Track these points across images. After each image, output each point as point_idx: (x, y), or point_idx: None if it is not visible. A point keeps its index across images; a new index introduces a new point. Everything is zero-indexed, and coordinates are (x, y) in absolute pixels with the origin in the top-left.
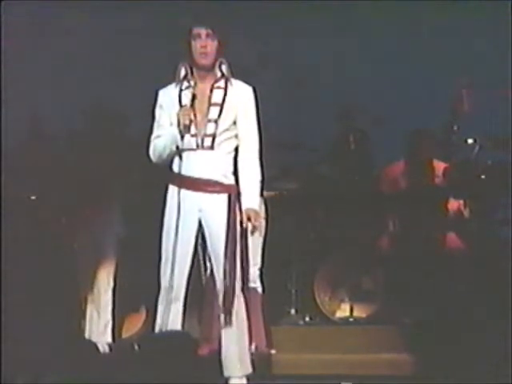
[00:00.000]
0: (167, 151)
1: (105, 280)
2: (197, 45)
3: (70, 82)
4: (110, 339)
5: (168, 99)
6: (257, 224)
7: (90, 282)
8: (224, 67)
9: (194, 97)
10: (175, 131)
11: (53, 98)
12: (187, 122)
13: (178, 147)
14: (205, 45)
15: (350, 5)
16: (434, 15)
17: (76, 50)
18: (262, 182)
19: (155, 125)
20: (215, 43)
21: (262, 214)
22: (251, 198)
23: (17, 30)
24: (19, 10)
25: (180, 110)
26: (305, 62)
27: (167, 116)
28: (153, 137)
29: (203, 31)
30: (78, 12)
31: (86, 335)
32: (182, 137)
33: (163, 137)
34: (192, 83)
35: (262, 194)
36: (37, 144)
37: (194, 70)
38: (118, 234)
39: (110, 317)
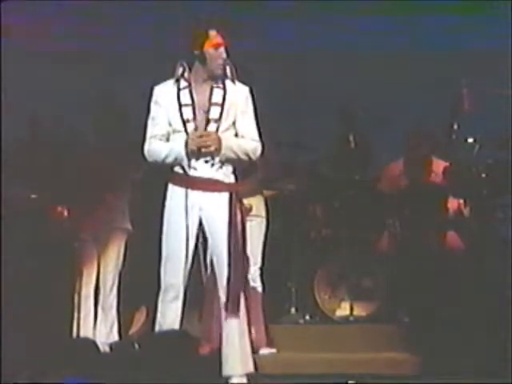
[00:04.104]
0: (167, 161)
1: (111, 278)
2: (216, 55)
3: (69, 82)
4: (116, 338)
5: (165, 96)
6: None
7: (97, 280)
8: (227, 68)
9: (194, 97)
10: (182, 152)
11: (53, 98)
12: (194, 148)
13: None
14: (225, 57)
15: (351, 4)
16: (435, 15)
17: (76, 50)
18: (262, 181)
19: (150, 122)
20: None
21: (263, 213)
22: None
23: (17, 29)
24: (19, 10)
25: (189, 135)
26: (305, 61)
27: (164, 113)
28: (149, 135)
29: (224, 42)
30: (77, 12)
31: (92, 334)
32: (189, 160)
33: (165, 146)
34: (194, 85)
35: (261, 191)
36: (37, 144)
37: (196, 70)
38: (127, 230)
39: (115, 315)
